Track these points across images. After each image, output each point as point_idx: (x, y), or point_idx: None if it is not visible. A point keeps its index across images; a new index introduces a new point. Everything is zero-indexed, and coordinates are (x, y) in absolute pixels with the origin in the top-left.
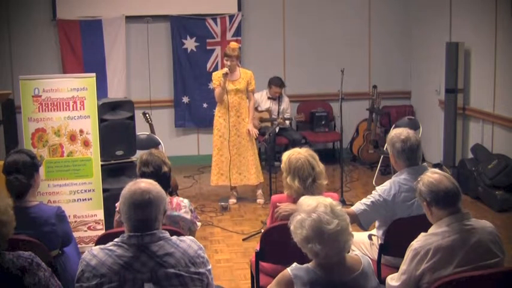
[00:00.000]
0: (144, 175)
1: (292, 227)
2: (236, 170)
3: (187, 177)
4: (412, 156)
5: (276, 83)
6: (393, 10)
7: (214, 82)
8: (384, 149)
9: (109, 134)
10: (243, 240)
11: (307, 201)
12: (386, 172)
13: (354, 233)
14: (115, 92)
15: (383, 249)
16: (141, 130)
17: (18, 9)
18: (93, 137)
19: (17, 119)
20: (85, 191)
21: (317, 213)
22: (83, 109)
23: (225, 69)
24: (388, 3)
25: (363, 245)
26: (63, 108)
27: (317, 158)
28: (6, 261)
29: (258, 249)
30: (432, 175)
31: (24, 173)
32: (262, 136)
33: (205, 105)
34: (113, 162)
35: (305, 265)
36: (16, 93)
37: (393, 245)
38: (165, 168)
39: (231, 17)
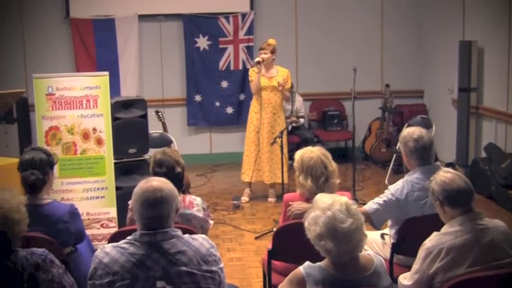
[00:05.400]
0: (157, 175)
1: (306, 224)
2: (268, 168)
3: (200, 176)
4: (425, 155)
5: None
6: (406, 9)
7: (251, 76)
8: (397, 147)
9: (122, 132)
10: (255, 238)
11: (323, 199)
12: (399, 171)
13: (366, 232)
14: (128, 91)
15: (395, 248)
16: (154, 128)
17: (32, 8)
18: (106, 135)
19: (30, 117)
20: (98, 188)
21: (332, 211)
22: (96, 107)
23: (258, 58)
24: (401, 1)
25: (375, 244)
26: (77, 107)
27: (330, 157)
28: (20, 258)
29: (270, 247)
30: (445, 174)
31: (39, 169)
32: None
33: (217, 103)
34: (125, 160)
35: (317, 264)
36: (30, 92)
37: (406, 244)
38: (178, 169)
39: (244, 15)
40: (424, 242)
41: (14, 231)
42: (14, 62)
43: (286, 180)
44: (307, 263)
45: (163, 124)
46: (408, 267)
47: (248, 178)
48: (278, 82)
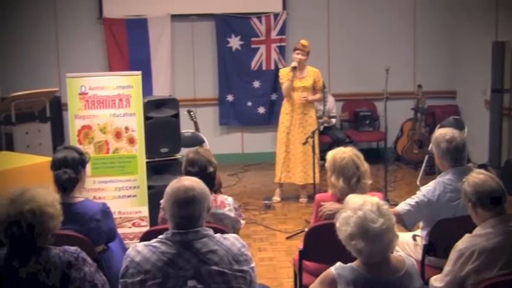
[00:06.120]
0: (189, 174)
1: (337, 224)
2: (301, 169)
3: (231, 176)
4: (457, 156)
5: None
6: (438, 9)
7: (282, 78)
8: (429, 148)
9: (154, 132)
10: (287, 238)
11: (354, 199)
12: (431, 172)
13: (398, 233)
14: (160, 90)
15: (427, 249)
16: (186, 128)
17: (66, 8)
18: (138, 134)
19: (63, 116)
20: (130, 187)
21: (363, 211)
22: (129, 106)
23: (294, 63)
24: (433, 2)
25: (407, 246)
26: (109, 106)
27: (362, 157)
28: (52, 256)
29: (302, 247)
30: (477, 175)
31: (72, 168)
32: None
33: (249, 103)
34: (157, 159)
35: (349, 264)
36: (63, 91)
37: (437, 246)
38: (211, 169)
39: (276, 15)
40: (456, 243)
41: (48, 226)
42: (47, 61)
43: (318, 181)
44: (338, 263)
45: (195, 124)
46: (440, 269)
47: (278, 179)
48: (303, 97)
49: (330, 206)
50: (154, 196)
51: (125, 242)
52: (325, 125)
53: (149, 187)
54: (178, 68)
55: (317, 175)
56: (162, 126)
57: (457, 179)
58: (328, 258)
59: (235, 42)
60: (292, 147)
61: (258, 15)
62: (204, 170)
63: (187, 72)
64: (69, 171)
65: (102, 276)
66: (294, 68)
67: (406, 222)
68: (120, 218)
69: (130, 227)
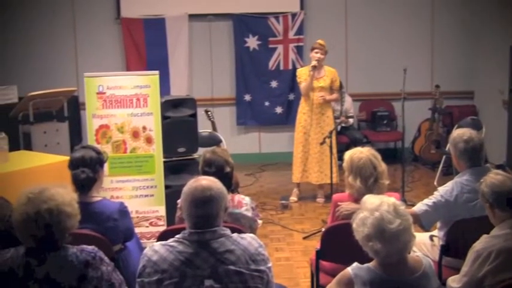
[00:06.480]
0: (206, 174)
1: (354, 225)
2: (317, 168)
3: (249, 175)
4: (475, 156)
5: None
6: (456, 9)
7: (300, 78)
8: (446, 149)
9: (171, 131)
10: (304, 238)
11: (371, 200)
12: (448, 172)
13: (415, 233)
14: (177, 90)
15: (444, 250)
16: (203, 127)
17: (84, 8)
18: (156, 133)
19: (81, 115)
20: (147, 187)
21: (380, 212)
22: (146, 106)
23: (314, 62)
24: (451, 2)
25: (424, 246)
26: (127, 105)
27: (379, 157)
28: (70, 255)
29: (319, 247)
30: (495, 176)
31: (90, 167)
32: None
33: (267, 103)
34: (175, 159)
35: (366, 265)
36: (81, 90)
37: (454, 246)
38: (228, 169)
39: (294, 15)
40: (474, 244)
41: (65, 225)
42: (65, 61)
43: (336, 181)
44: (355, 263)
45: (213, 123)
46: (457, 270)
47: (295, 179)
48: (320, 95)
49: (347, 206)
50: (171, 196)
51: (142, 241)
52: (343, 125)
53: (166, 187)
54: (196, 68)
55: (335, 175)
56: (179, 126)
57: (474, 180)
58: (345, 258)
59: (252, 42)
60: (310, 147)
61: (276, 15)
62: (221, 170)
63: (204, 72)
64: (87, 170)
65: (119, 275)
66: (314, 67)
67: (423, 222)
68: (138, 217)
69: (147, 227)
